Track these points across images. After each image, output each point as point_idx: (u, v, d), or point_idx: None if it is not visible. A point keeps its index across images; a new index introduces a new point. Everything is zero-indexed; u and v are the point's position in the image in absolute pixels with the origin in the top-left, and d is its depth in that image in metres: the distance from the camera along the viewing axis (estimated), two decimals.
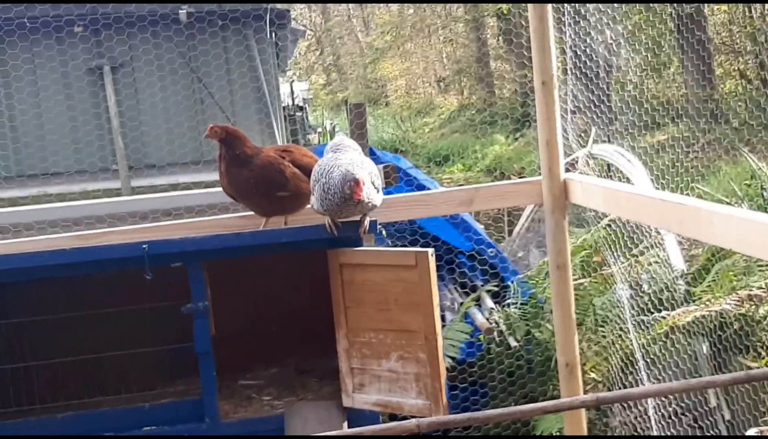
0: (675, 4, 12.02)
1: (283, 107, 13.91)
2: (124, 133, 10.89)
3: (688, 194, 5.34)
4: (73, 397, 3.74)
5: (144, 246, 3.55)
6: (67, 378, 3.76)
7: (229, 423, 3.64)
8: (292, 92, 22.63)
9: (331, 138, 22.68)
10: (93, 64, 10.99)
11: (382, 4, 40.86)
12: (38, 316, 3.70)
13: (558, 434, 4.76)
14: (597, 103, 5.51)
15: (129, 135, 10.96)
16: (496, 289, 5.89)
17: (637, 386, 4.64)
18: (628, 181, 5.72)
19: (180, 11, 10.75)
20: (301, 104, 22.84)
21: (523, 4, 4.34)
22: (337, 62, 44.96)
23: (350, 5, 44.12)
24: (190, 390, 3.80)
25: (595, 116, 5.63)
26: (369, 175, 3.54)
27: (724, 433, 5.00)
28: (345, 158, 3.61)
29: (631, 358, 4.84)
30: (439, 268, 3.48)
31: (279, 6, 12.32)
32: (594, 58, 5.51)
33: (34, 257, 3.64)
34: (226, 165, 3.84)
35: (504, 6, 25.27)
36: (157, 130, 10.99)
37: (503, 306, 5.65)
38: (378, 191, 3.62)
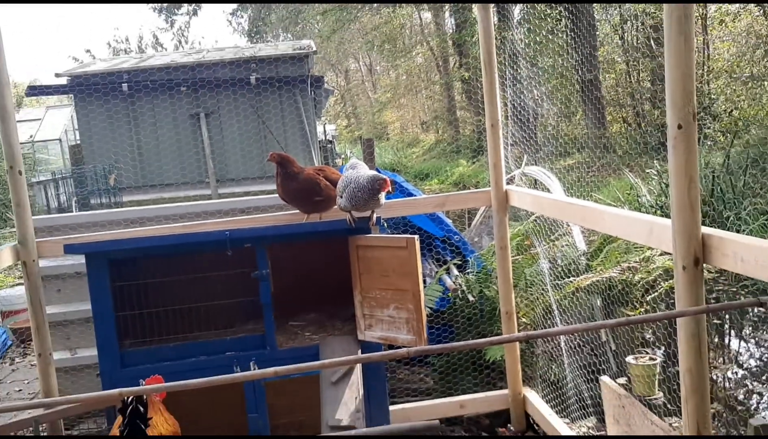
0: (579, 75, 12.00)
1: (319, 141, 13.91)
2: (213, 157, 10.92)
3: (588, 200, 5.34)
4: (180, 332, 3.75)
5: (226, 233, 3.56)
6: (177, 320, 3.77)
7: (283, 350, 3.65)
8: (325, 131, 22.63)
9: None
10: (193, 112, 11.02)
11: (385, 74, 40.79)
12: (158, 279, 3.72)
13: (500, 358, 4.75)
14: (528, 139, 5.50)
15: (217, 158, 11.00)
16: (459, 263, 5.88)
17: (554, 327, 4.64)
18: (548, 191, 5.72)
19: (251, 77, 10.80)
20: (330, 139, 22.83)
21: (479, 74, 4.32)
22: (354, 111, 44.91)
23: (363, 75, 44.05)
24: (257, 328, 3.80)
25: (526, 147, 5.63)
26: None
27: (611, 357, 5.00)
28: (363, 172, 3.63)
29: (549, 308, 4.85)
30: (422, 248, 3.48)
31: (316, 73, 12.33)
32: (526, 108, 5.49)
33: (155, 239, 3.66)
34: (281, 179, 3.85)
35: (465, 74, 25.21)
36: (235, 156, 11.04)
37: (464, 274, 5.65)
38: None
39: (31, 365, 6.55)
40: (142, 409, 2.39)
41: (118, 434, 2.45)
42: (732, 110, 14.40)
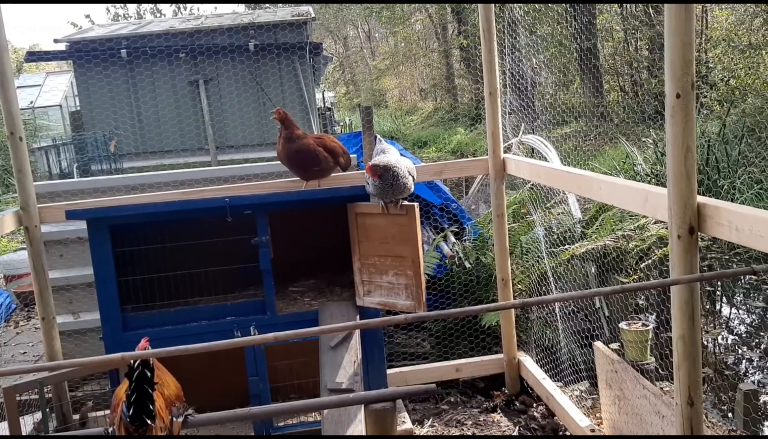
0: (577, 43, 11.87)
1: (318, 108, 13.81)
2: (213, 124, 10.86)
3: (584, 168, 5.32)
4: (182, 297, 3.77)
5: (226, 199, 3.55)
6: (178, 286, 3.77)
7: (282, 315, 3.67)
8: (324, 98, 22.45)
9: (350, 131, 22.46)
10: (192, 78, 10.93)
11: (383, 41, 40.31)
12: (159, 244, 3.71)
13: (496, 323, 4.78)
14: (525, 107, 5.46)
15: (216, 125, 10.94)
16: (457, 230, 5.88)
17: (549, 294, 4.66)
18: (545, 159, 5.70)
19: (249, 43, 10.69)
20: (329, 106, 22.67)
21: (478, 42, 4.27)
22: (353, 78, 44.51)
23: (362, 42, 43.54)
24: (257, 294, 3.82)
25: (524, 116, 5.59)
26: (405, 169, 3.41)
27: (604, 323, 5.03)
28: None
29: (544, 275, 4.86)
30: (420, 216, 3.46)
31: (315, 40, 12.19)
32: (524, 76, 5.44)
33: (156, 206, 3.65)
34: (283, 142, 3.83)
35: (464, 41, 24.95)
36: (234, 123, 10.98)
37: (462, 241, 5.65)
38: (413, 179, 3.46)
39: (35, 329, 6.58)
40: (148, 374, 2.40)
41: (123, 398, 2.47)
42: (729, 79, 14.29)
